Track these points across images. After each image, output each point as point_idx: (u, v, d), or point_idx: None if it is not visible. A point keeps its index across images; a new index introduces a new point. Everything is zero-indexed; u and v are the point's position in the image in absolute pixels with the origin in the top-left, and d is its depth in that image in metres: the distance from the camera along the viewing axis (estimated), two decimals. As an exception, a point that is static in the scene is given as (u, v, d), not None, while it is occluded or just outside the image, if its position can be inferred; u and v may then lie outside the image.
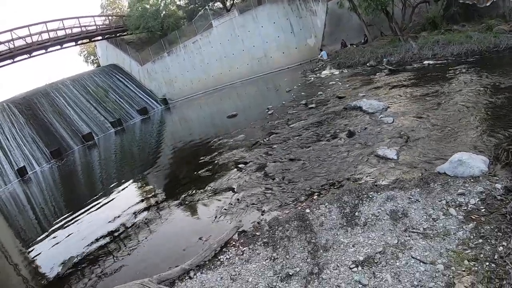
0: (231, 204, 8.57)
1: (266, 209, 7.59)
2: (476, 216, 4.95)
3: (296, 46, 33.99)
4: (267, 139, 12.86)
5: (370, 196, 6.42)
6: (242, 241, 6.58)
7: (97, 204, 13.04)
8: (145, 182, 14.38)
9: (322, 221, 6.16)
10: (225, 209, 8.43)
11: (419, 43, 19.99)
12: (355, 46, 27.69)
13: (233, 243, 6.59)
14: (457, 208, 5.26)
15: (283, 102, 18.81)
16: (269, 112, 17.26)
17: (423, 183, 6.26)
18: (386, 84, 15.26)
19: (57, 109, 35.95)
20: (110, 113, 38.38)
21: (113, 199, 13.19)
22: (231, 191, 9.38)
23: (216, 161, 12.57)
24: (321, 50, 29.98)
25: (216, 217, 8.23)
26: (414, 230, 5.06)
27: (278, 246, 5.90)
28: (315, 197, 7.32)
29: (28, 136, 31.46)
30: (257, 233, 6.62)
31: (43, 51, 37.70)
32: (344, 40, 29.46)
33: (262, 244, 6.17)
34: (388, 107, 11.69)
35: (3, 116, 32.07)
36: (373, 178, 7.26)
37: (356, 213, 6.01)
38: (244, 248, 6.26)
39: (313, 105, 15.57)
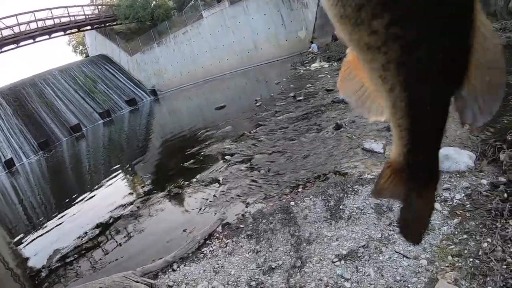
0: (216, 196, 8.50)
1: (251, 202, 7.51)
2: (461, 211, 4.91)
3: (286, 39, 33.92)
4: (254, 131, 12.78)
5: (355, 189, 6.36)
6: (225, 233, 6.51)
7: (84, 196, 12.95)
8: (132, 174, 14.33)
9: (306, 214, 6.10)
10: (210, 201, 8.35)
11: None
12: (345, 39, 27.65)
13: (217, 235, 6.52)
14: (442, 203, 5.20)
15: (272, 94, 18.77)
16: (257, 104, 17.19)
17: (409, 177, 6.20)
18: (375, 77, 15.19)
19: (45, 100, 35.64)
20: (98, 104, 38.17)
21: (100, 191, 13.11)
22: (216, 183, 9.27)
23: (202, 153, 12.48)
24: (311, 42, 29.95)
25: (200, 209, 8.16)
26: (399, 225, 5.00)
27: (261, 239, 5.83)
28: (300, 189, 7.26)
29: (16, 128, 31.12)
30: (241, 226, 6.55)
31: (31, 40, 37.25)
32: (335, 33, 29.38)
33: (245, 237, 6.10)
34: (377, 100, 11.61)
35: (-10, 108, 31.71)
36: (359, 171, 7.21)
37: (341, 207, 5.94)
38: (228, 241, 6.18)
39: (301, 98, 15.51)
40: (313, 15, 31.18)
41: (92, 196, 12.75)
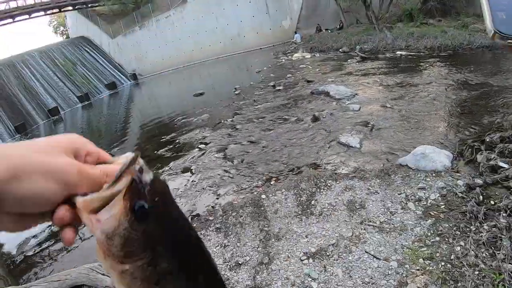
0: (187, 186, 8.24)
1: (222, 193, 7.29)
2: (435, 212, 4.77)
3: (270, 27, 33.78)
4: (231, 119, 12.59)
5: (329, 184, 6.18)
6: (194, 225, 6.30)
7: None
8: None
9: (277, 208, 5.90)
10: (181, 191, 8.07)
11: (394, 34, 20.15)
12: (329, 31, 27.72)
13: (185, 227, 6.31)
14: (417, 202, 5.07)
15: (252, 83, 18.68)
16: (236, 92, 17.06)
17: (384, 174, 6.06)
18: (356, 71, 15.27)
19: (23, 82, 34.65)
20: (77, 87, 37.42)
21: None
22: (189, 172, 9.02)
23: (177, 140, 12.19)
24: (295, 32, 29.93)
25: (170, 199, 7.93)
26: (370, 223, 4.85)
27: (230, 233, 5.62)
28: (272, 182, 7.07)
29: (-9, 110, 30.36)
30: (211, 218, 6.32)
31: (10, 20, 36.36)
32: (320, 25, 29.44)
33: (214, 230, 5.88)
34: (356, 94, 11.59)
35: (-34, 89, 30.86)
36: (333, 166, 7.05)
37: (313, 202, 5.76)
38: (195, 234, 5.98)
39: (280, 87, 15.42)
40: (299, 5, 31.04)
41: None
